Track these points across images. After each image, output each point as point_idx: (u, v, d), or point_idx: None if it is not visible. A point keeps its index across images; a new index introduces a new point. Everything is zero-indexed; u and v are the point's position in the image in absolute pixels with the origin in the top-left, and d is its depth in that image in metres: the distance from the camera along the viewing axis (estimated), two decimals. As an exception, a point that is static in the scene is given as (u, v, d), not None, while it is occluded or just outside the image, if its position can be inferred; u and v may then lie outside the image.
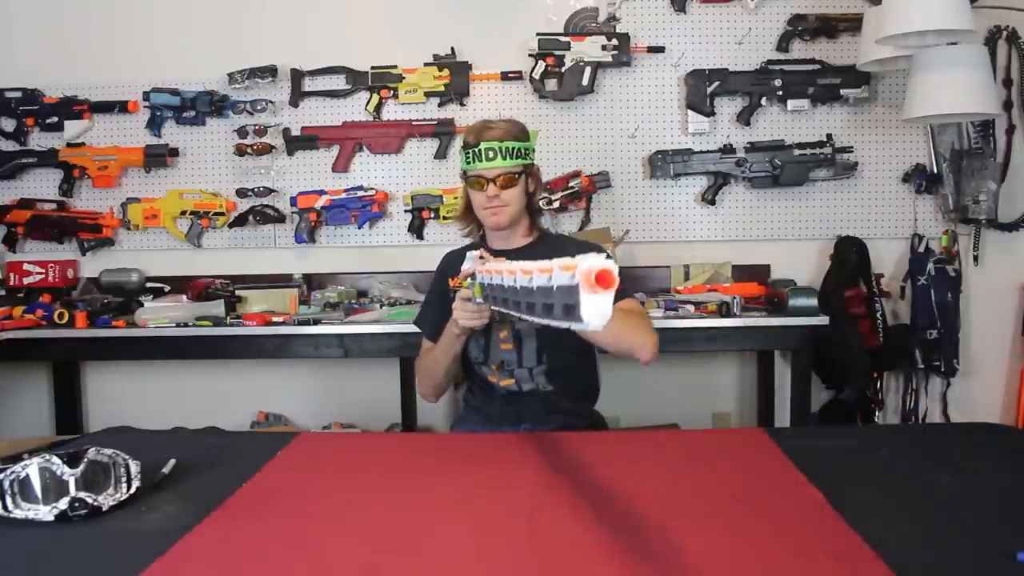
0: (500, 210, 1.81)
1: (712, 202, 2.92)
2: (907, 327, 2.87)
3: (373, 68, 2.96)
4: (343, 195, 2.99)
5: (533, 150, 1.86)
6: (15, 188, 3.11)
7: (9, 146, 3.09)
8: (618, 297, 1.82)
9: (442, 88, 2.94)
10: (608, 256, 0.93)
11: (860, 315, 2.81)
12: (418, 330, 2.00)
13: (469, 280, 1.61)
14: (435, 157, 2.98)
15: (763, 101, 2.89)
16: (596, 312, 0.91)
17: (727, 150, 2.90)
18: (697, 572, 0.98)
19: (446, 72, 2.94)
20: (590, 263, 0.90)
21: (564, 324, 0.98)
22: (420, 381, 1.98)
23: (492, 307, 1.57)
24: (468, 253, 1.70)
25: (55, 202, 3.08)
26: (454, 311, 1.69)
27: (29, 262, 3.04)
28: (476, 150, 1.79)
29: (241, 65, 2.97)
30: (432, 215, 2.98)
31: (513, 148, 1.80)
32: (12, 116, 3.07)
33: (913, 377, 2.90)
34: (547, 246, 1.85)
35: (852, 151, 2.89)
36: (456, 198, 2.94)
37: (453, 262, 1.88)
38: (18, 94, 3.06)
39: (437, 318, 1.86)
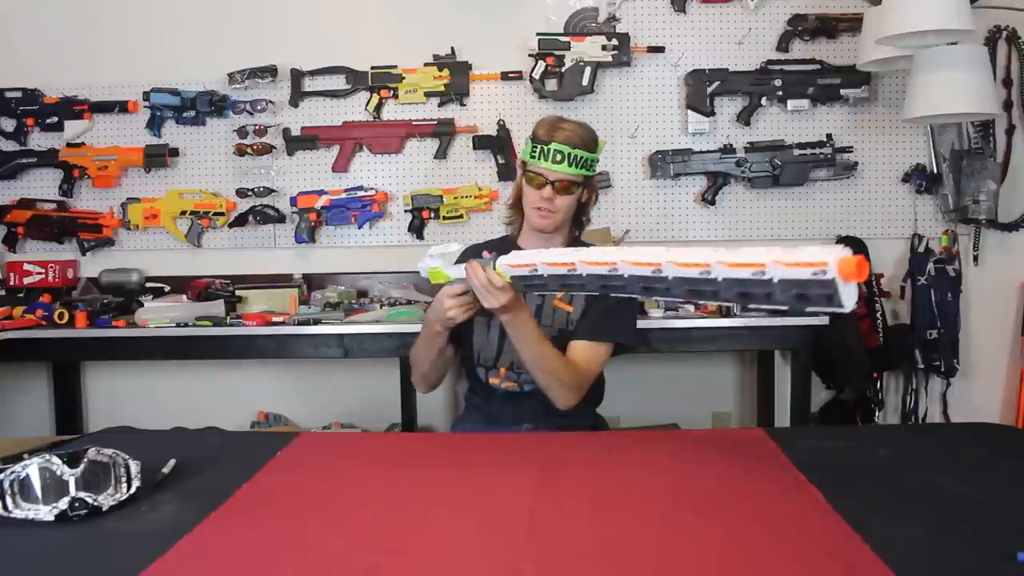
0: (549, 215, 1.80)
1: (712, 202, 2.92)
2: (907, 327, 2.87)
3: (373, 68, 2.96)
4: (343, 195, 2.99)
5: (597, 161, 1.85)
6: (15, 188, 3.11)
7: (9, 146, 3.09)
8: (593, 335, 1.82)
9: (442, 88, 2.94)
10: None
11: (860, 315, 2.81)
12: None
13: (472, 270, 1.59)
14: (435, 157, 2.98)
15: (763, 101, 2.89)
16: (851, 295, 0.98)
17: (727, 150, 2.90)
18: (697, 572, 0.98)
19: (446, 72, 2.94)
20: (839, 254, 0.97)
21: (781, 307, 1.05)
22: (413, 370, 1.95)
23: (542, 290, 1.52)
24: (431, 252, 1.68)
25: (55, 202, 3.08)
26: (448, 311, 1.65)
27: (29, 262, 3.04)
28: (545, 148, 1.77)
29: (241, 65, 2.97)
30: (432, 215, 2.98)
31: (581, 157, 1.78)
32: (12, 116, 3.07)
33: (913, 377, 2.90)
34: None
35: (852, 151, 2.89)
36: (456, 198, 2.95)
37: (473, 256, 1.87)
38: (18, 94, 3.06)
39: None
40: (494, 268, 1.54)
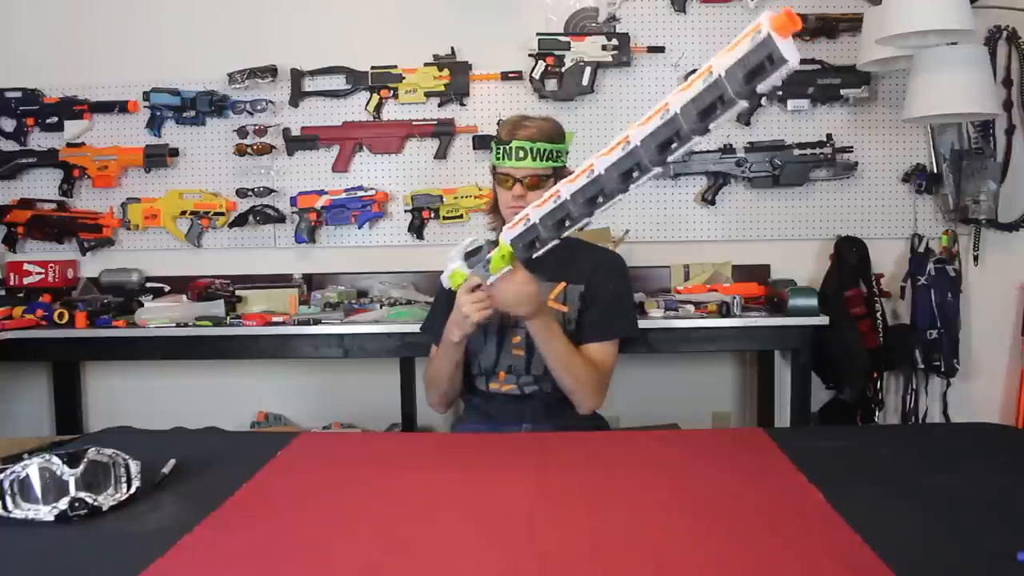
0: None
1: (712, 202, 2.92)
2: (907, 327, 2.87)
3: (373, 68, 2.96)
4: (343, 195, 2.99)
5: (566, 152, 1.84)
6: (15, 188, 3.12)
7: (9, 146, 3.09)
8: (602, 336, 1.80)
9: (442, 88, 2.94)
10: None
11: (860, 315, 2.81)
12: (420, 334, 1.99)
13: (474, 261, 1.57)
14: (435, 157, 2.98)
15: (763, 101, 2.89)
16: (790, 49, 1.00)
17: (727, 150, 2.90)
18: (697, 572, 0.98)
19: (446, 72, 2.94)
20: (768, 14, 1.01)
21: (738, 105, 1.06)
22: (428, 391, 1.93)
23: (541, 241, 1.46)
24: (450, 255, 1.63)
25: (55, 202, 3.08)
26: (463, 307, 1.63)
27: (29, 262, 3.04)
28: (507, 147, 1.78)
29: (241, 65, 2.97)
30: (432, 215, 2.98)
31: (544, 150, 1.78)
32: (12, 116, 3.07)
33: (913, 377, 2.90)
34: (568, 248, 1.74)
35: (852, 151, 2.89)
36: (456, 198, 2.95)
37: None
38: (18, 94, 3.06)
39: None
40: (499, 244, 1.52)
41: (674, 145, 1.19)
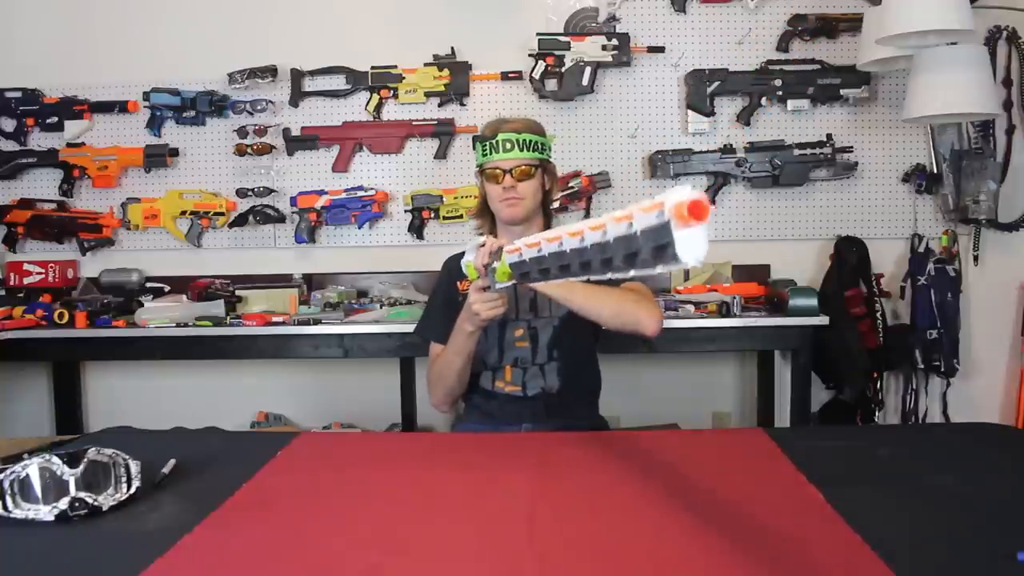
0: (516, 202, 1.81)
1: (712, 202, 2.91)
2: (907, 327, 2.87)
3: (373, 68, 2.96)
4: (343, 195, 2.99)
5: (550, 147, 1.87)
6: (15, 188, 3.12)
7: (9, 146, 3.09)
8: (621, 280, 1.82)
9: (442, 88, 2.94)
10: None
11: (860, 315, 2.81)
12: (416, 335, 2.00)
13: (484, 267, 1.55)
14: (435, 157, 2.98)
15: (763, 101, 2.89)
16: (692, 247, 0.85)
17: (727, 150, 2.90)
18: (696, 572, 0.98)
19: (446, 72, 2.94)
20: (678, 196, 0.84)
21: (655, 270, 0.92)
22: (433, 390, 1.90)
23: (527, 285, 1.47)
24: (469, 246, 1.65)
25: (55, 202, 3.08)
26: (473, 305, 1.63)
27: (29, 262, 3.04)
28: (493, 142, 1.80)
29: (241, 65, 2.97)
30: (432, 215, 2.98)
31: (531, 141, 1.81)
32: (12, 116, 3.07)
33: (913, 377, 2.90)
34: None
35: (852, 151, 2.89)
36: (456, 198, 2.95)
37: (455, 266, 1.84)
38: (18, 94, 3.06)
39: (447, 322, 1.82)
40: (500, 259, 1.51)
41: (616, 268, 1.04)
